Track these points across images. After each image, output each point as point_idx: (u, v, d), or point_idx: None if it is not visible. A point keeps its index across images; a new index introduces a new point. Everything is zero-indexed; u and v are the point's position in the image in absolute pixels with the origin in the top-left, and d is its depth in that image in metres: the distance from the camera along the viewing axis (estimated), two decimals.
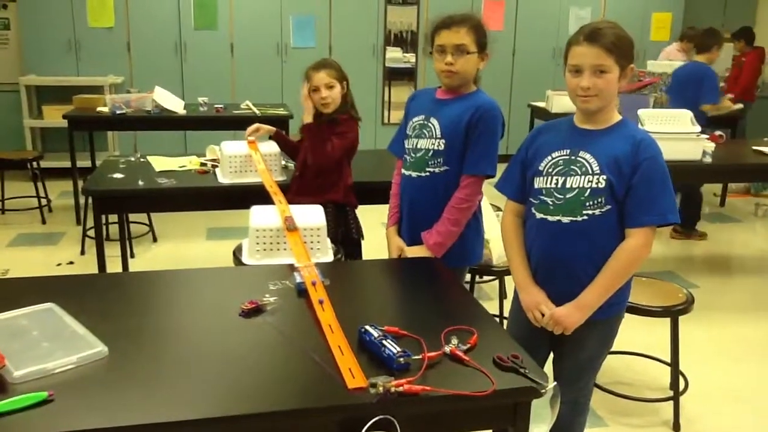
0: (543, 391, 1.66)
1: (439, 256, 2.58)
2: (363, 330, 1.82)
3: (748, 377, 3.60)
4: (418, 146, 2.65)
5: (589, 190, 2.11)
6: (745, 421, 3.20)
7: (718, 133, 4.79)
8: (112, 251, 4.28)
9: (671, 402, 3.17)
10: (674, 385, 3.14)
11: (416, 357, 1.72)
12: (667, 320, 3.18)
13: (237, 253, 2.76)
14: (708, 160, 4.33)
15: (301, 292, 2.15)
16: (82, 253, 5.12)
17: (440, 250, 2.59)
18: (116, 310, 2.02)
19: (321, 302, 2.04)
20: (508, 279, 3.27)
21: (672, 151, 4.20)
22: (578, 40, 2.10)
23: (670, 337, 3.36)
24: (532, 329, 2.27)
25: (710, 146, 4.37)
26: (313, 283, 2.17)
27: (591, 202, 2.11)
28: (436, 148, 2.60)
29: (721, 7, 9.08)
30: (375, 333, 1.80)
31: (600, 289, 2.14)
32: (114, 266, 4.27)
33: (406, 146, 2.74)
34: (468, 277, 3.28)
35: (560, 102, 6.09)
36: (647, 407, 3.28)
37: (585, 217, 2.12)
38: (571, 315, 2.17)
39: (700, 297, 3.32)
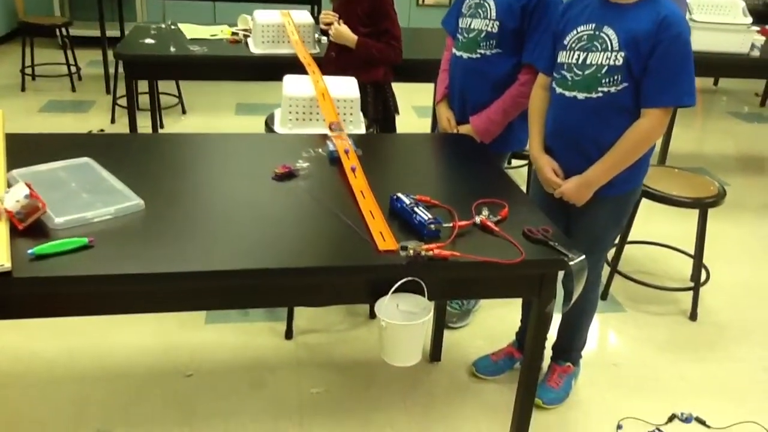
0: (571, 263, 1.67)
1: (486, 142, 2.56)
2: (395, 197, 1.83)
3: None
4: (472, 26, 2.54)
5: (606, 67, 2.07)
6: (762, 316, 3.24)
7: None
8: (142, 122, 4.29)
9: (690, 293, 3.20)
10: (696, 275, 3.16)
11: (447, 225, 1.73)
12: (695, 213, 3.17)
13: (269, 122, 2.75)
14: (756, 54, 4.16)
15: (334, 160, 2.16)
16: (113, 121, 5.15)
17: (488, 137, 2.57)
18: (151, 169, 2.04)
19: (353, 169, 2.05)
20: None
21: (718, 42, 4.07)
22: None
23: (696, 229, 3.36)
24: (549, 201, 2.30)
25: (760, 39, 4.18)
26: (346, 152, 2.16)
27: (607, 80, 2.07)
28: (489, 29, 2.49)
29: None
30: (407, 200, 1.81)
31: (606, 166, 2.14)
32: None
33: (460, 25, 2.64)
34: None
35: None
36: (666, 296, 3.32)
37: (599, 94, 2.08)
38: (577, 190, 2.20)
39: (730, 195, 3.28)
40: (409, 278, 1.60)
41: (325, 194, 1.94)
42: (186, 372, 2.60)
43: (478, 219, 1.79)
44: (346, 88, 2.64)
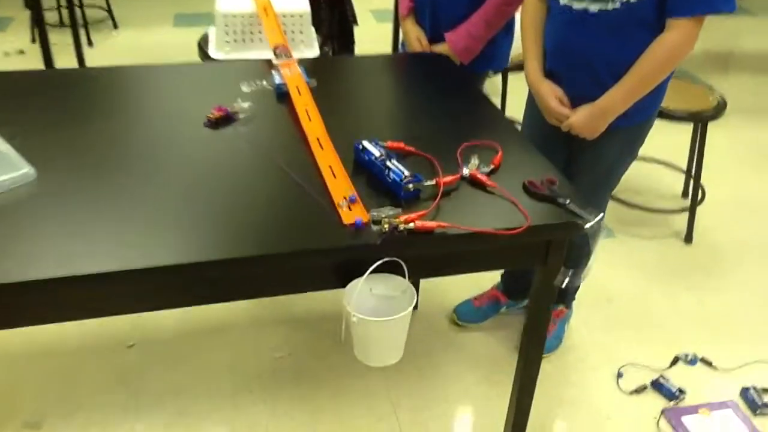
0: (588, 225, 1.33)
1: (466, 63, 2.15)
2: (360, 147, 1.45)
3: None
4: None
5: None
6: (761, 233, 2.99)
7: None
8: (67, 39, 3.76)
9: (683, 213, 2.93)
10: (694, 195, 2.87)
11: (428, 183, 1.37)
12: (687, 126, 2.85)
13: (203, 45, 2.30)
14: None
15: (281, 95, 1.75)
16: (33, 40, 4.56)
17: (468, 56, 2.15)
18: (55, 118, 1.61)
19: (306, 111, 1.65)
20: (515, 78, 2.86)
21: None
22: None
23: (691, 144, 3.06)
24: (547, 133, 1.95)
25: None
26: (297, 87, 1.75)
27: None
28: None
29: None
30: (376, 151, 1.43)
31: (626, 92, 1.77)
32: (68, 57, 3.77)
33: None
34: None
35: None
36: (658, 218, 3.04)
37: (617, 5, 1.69)
38: (589, 121, 1.84)
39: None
40: (385, 259, 1.25)
41: (271, 144, 1.54)
42: (127, 342, 2.26)
43: (466, 171, 1.43)
44: (293, 0, 2.19)
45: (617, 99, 1.78)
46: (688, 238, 2.89)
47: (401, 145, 1.51)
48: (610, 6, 1.69)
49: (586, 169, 2.01)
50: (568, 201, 1.36)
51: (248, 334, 2.33)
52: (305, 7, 2.16)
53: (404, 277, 1.30)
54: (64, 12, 4.37)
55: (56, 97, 1.71)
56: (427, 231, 1.25)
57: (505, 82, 3.32)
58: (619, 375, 2.24)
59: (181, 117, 1.64)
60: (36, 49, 4.42)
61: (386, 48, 3.86)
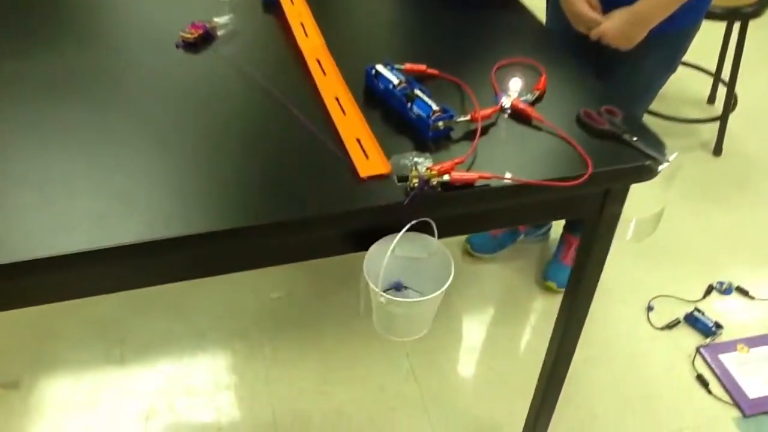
0: (660, 168, 1.08)
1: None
2: (373, 72, 1.17)
3: None
4: None
5: None
6: None
7: None
8: None
9: (711, 122, 2.67)
10: (726, 102, 2.59)
11: (462, 118, 1.09)
12: (720, 23, 2.54)
13: None
14: None
15: (270, 4, 1.43)
16: None
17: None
18: (6, 42, 1.31)
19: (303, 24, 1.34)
20: None
21: None
22: None
23: (722, 44, 2.76)
24: (572, 42, 1.63)
25: None
26: None
27: None
28: None
29: None
30: (393, 77, 1.14)
31: None
32: None
33: None
34: None
35: None
36: (683, 127, 2.78)
37: None
38: (626, 29, 1.53)
39: None
40: (415, 221, 0.99)
41: (260, 68, 1.24)
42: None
43: (505, 100, 1.15)
44: None
45: (657, 4, 1.48)
46: (718, 150, 2.65)
47: (423, 68, 1.22)
48: None
49: (619, 84, 1.73)
50: (635, 137, 1.09)
51: (241, 274, 2.10)
52: None
53: (434, 236, 1.05)
54: None
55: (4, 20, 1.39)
56: (466, 184, 0.99)
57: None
58: (650, 308, 2.04)
59: (151, 39, 1.33)
60: None
61: None
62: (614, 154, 1.07)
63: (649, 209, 1.31)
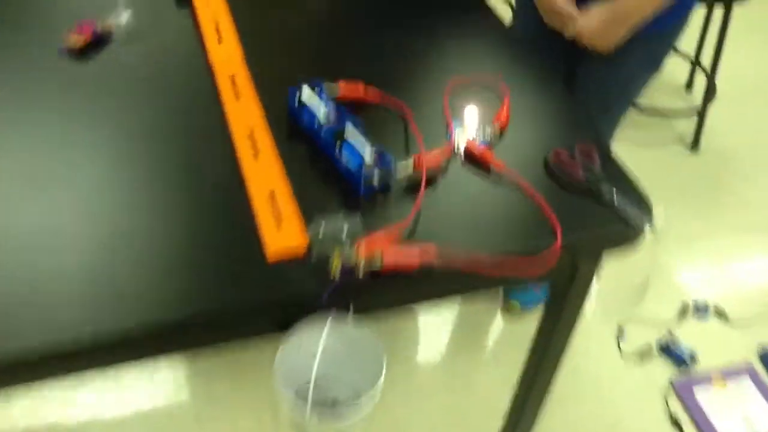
0: (642, 234, 0.88)
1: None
2: (296, 99, 0.94)
3: None
4: None
5: None
6: None
7: None
8: None
9: (688, 113, 2.49)
10: (707, 93, 2.39)
11: (402, 168, 0.87)
12: (702, 5, 2.33)
13: None
14: None
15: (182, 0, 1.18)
16: None
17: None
18: None
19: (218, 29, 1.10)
20: None
21: None
22: None
23: (702, 27, 2.55)
24: (543, 38, 1.41)
25: None
26: None
27: None
28: None
29: None
30: (321, 109, 0.91)
31: None
32: None
33: None
34: None
35: None
36: (658, 118, 2.59)
37: None
38: (606, 27, 1.30)
39: None
40: (334, 313, 0.78)
41: (158, 88, 1.01)
42: None
43: (459, 140, 0.93)
44: None
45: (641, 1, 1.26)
46: (695, 145, 2.46)
47: (360, 87, 0.99)
48: None
49: (598, 87, 1.51)
50: (614, 191, 0.89)
51: None
52: None
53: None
54: None
55: None
56: (404, 270, 0.78)
57: None
58: (620, 333, 1.87)
59: (27, 42, 1.07)
60: None
61: None
62: (589, 217, 0.86)
63: (634, 269, 1.11)
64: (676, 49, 2.70)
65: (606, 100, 1.55)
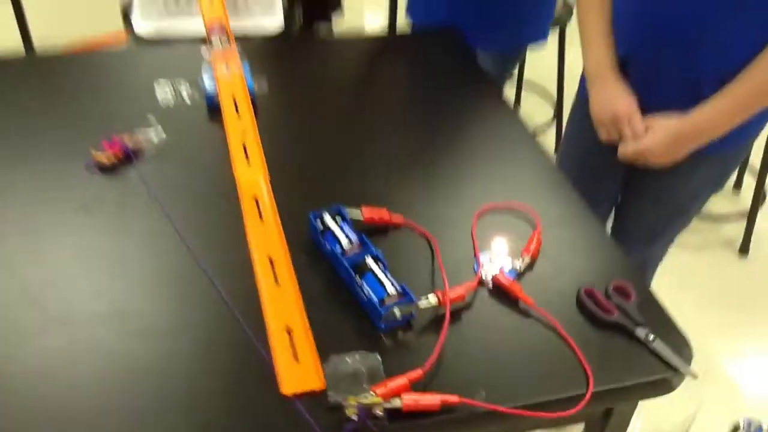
0: (682, 380, 0.81)
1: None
2: (318, 225, 0.91)
3: None
4: None
5: None
6: None
7: None
8: None
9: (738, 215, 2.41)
10: (756, 196, 2.32)
11: (425, 302, 0.83)
12: None
13: (128, 11, 1.71)
14: None
15: (215, 110, 1.19)
16: None
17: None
18: None
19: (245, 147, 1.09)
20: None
21: None
22: None
23: None
24: (598, 153, 1.35)
25: None
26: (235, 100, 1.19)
27: None
28: None
29: None
30: (343, 239, 0.89)
31: (731, 107, 1.16)
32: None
33: None
34: None
35: None
36: (706, 220, 2.51)
37: None
38: (672, 147, 1.23)
39: None
40: None
41: (185, 210, 0.99)
42: None
43: (486, 272, 0.89)
44: None
45: (718, 118, 1.18)
46: (744, 249, 2.37)
47: (384, 213, 0.97)
48: None
49: (653, 208, 1.45)
50: (651, 335, 0.83)
51: None
52: None
53: None
54: None
55: None
56: (425, 411, 0.73)
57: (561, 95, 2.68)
58: None
59: (61, 152, 1.09)
60: None
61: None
62: (623, 361, 0.81)
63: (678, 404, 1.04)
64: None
65: (661, 221, 1.48)
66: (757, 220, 2.36)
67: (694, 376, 0.80)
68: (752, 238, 2.37)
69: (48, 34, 2.34)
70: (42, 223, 0.95)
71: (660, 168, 1.27)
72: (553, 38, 2.45)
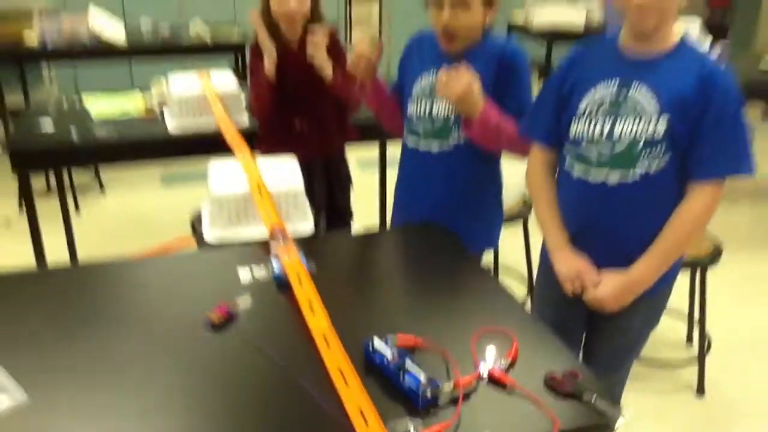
0: (616, 427, 1.25)
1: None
2: (370, 348, 1.39)
3: None
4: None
5: (644, 139, 1.65)
6: None
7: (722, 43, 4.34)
8: (53, 206, 3.74)
9: (691, 362, 2.85)
10: (701, 344, 2.80)
11: (446, 387, 1.29)
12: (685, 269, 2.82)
13: (196, 225, 2.27)
14: None
15: (282, 285, 1.70)
16: (21, 205, 4.54)
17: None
18: (43, 328, 1.54)
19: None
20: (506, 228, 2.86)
21: None
22: None
23: (690, 290, 3.03)
24: (565, 303, 1.87)
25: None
26: (298, 275, 1.71)
27: (646, 154, 1.66)
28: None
29: None
30: (388, 353, 1.36)
31: (656, 263, 1.73)
32: (54, 225, 3.74)
33: (412, 111, 2.13)
34: None
35: (543, 15, 5.32)
36: (666, 368, 2.95)
37: (637, 177, 1.68)
38: (618, 297, 1.76)
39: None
40: None
41: (276, 346, 1.47)
42: None
43: (484, 368, 1.36)
44: (286, 174, 2.20)
45: (648, 272, 1.72)
46: (700, 389, 2.80)
47: (412, 338, 1.45)
48: (629, 178, 1.67)
49: (610, 340, 1.95)
50: (594, 397, 1.28)
51: None
52: (299, 184, 2.15)
53: None
54: (51, 178, 4.38)
55: (44, 303, 1.64)
56: None
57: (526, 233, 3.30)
58: None
59: (180, 318, 1.57)
60: (23, 219, 4.41)
61: (373, 199, 3.86)
62: (576, 412, 1.26)
63: None
64: (673, 310, 3.17)
65: (621, 353, 1.97)
66: (709, 365, 2.82)
67: (623, 417, 1.24)
68: (707, 381, 2.81)
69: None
70: (175, 351, 1.41)
71: (612, 312, 1.79)
72: (519, 229, 3.07)
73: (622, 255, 1.75)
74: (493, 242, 2.26)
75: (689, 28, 3.91)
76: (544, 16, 5.38)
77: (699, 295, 2.77)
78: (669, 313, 3.17)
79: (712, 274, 2.73)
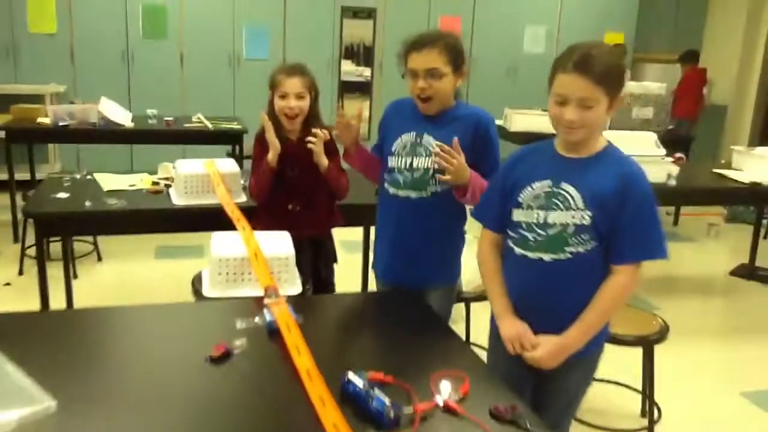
0: None
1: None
2: (347, 380, 1.66)
3: (719, 403, 3.55)
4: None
5: (572, 227, 1.97)
6: None
7: (678, 155, 4.79)
8: (53, 272, 3.99)
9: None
10: (650, 417, 3.06)
11: (407, 411, 1.56)
12: (638, 348, 3.11)
13: (196, 284, 2.56)
14: (672, 183, 4.30)
15: (273, 332, 1.98)
16: (20, 273, 4.80)
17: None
18: (64, 357, 1.80)
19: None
20: (477, 306, 3.16)
21: None
22: (566, 67, 1.91)
23: (642, 366, 3.30)
24: (512, 362, 2.14)
25: (674, 169, 4.35)
26: (287, 325, 1.99)
27: (575, 239, 1.98)
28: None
29: (670, 27, 9.24)
30: (359, 383, 1.63)
31: (585, 329, 2.02)
32: (55, 289, 3.99)
33: (394, 164, 2.52)
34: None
35: (520, 121, 6.02)
36: None
37: (569, 255, 1.98)
38: (553, 357, 2.03)
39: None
40: None
41: (267, 378, 1.75)
42: None
43: (440, 399, 1.63)
44: (279, 244, 2.50)
45: (579, 335, 2.01)
46: None
47: (381, 375, 1.72)
48: (562, 256, 1.99)
49: (554, 396, 2.20)
50: (529, 425, 1.56)
51: None
52: (290, 252, 2.46)
53: None
54: (52, 246, 4.65)
55: (64, 337, 1.91)
56: None
57: (468, 310, 3.61)
58: None
59: (185, 354, 1.84)
60: (22, 282, 4.66)
61: (357, 275, 4.17)
62: None
63: None
64: (627, 386, 3.43)
65: (560, 406, 2.23)
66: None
67: None
68: None
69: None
70: (181, 381, 1.68)
71: (550, 371, 2.07)
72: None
73: (556, 321, 2.04)
74: (457, 269, 2.62)
75: (646, 140, 4.33)
76: (521, 122, 5.94)
77: (647, 369, 3.04)
78: (626, 389, 3.46)
79: (666, 354, 3.01)
